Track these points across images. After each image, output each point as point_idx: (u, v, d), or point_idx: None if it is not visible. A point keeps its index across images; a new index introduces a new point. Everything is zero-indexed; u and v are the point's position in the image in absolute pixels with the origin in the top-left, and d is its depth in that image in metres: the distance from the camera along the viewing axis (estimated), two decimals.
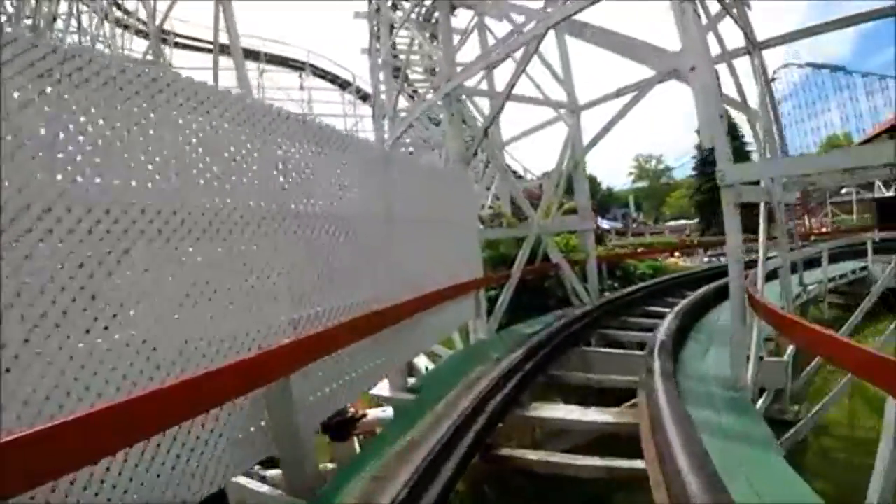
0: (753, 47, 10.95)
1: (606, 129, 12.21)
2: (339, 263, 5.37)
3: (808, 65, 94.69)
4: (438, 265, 8.31)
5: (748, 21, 10.63)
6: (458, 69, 12.05)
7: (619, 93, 12.31)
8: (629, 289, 13.66)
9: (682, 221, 69.54)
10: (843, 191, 64.14)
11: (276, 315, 4.42)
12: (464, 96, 12.65)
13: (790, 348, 8.52)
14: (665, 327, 8.41)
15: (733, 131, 54.06)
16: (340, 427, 7.14)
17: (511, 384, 6.10)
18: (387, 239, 6.67)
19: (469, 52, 24.30)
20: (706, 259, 25.52)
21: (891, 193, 54.89)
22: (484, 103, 16.09)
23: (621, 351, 8.98)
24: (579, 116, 13.46)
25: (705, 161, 52.13)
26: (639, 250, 23.16)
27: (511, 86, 10.78)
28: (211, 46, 14.28)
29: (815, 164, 7.09)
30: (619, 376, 7.50)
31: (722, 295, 13.17)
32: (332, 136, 5.60)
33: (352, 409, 7.09)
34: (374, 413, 7.24)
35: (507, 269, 11.78)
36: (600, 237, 33.88)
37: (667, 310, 11.56)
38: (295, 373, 4.23)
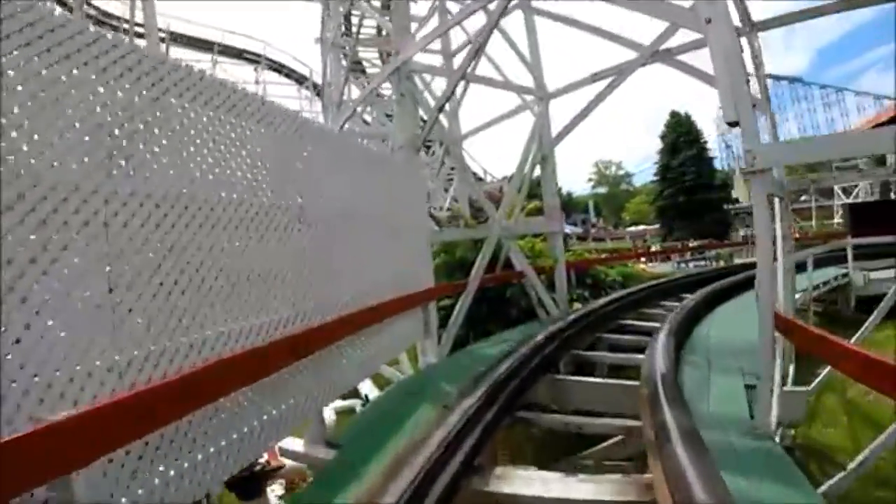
0: (750, 27, 9.53)
1: (581, 117, 10.69)
2: (228, 274, 3.79)
3: (767, 76, 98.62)
4: (377, 274, 6.61)
5: None
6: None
7: (594, 78, 10.82)
8: (603, 300, 12.00)
9: (642, 227, 69.76)
10: (803, 198, 65.52)
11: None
12: (416, 77, 10.91)
13: (822, 375, 7.13)
14: (659, 353, 6.74)
15: (695, 134, 53.86)
16: (248, 483, 5.70)
17: (466, 445, 4.33)
18: (308, 241, 4.94)
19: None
20: (676, 265, 24.26)
21: (865, 199, 56.51)
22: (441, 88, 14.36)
23: (602, 380, 7.26)
24: (548, 104, 11.83)
25: (667, 167, 51.41)
26: (604, 255, 21.69)
27: (471, 59, 9.11)
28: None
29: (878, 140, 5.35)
30: (605, 420, 5.82)
31: (708, 305, 11.84)
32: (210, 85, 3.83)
33: (263, 460, 5.69)
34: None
35: (466, 276, 10.08)
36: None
37: (651, 324, 10.35)
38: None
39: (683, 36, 9.55)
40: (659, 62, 10.02)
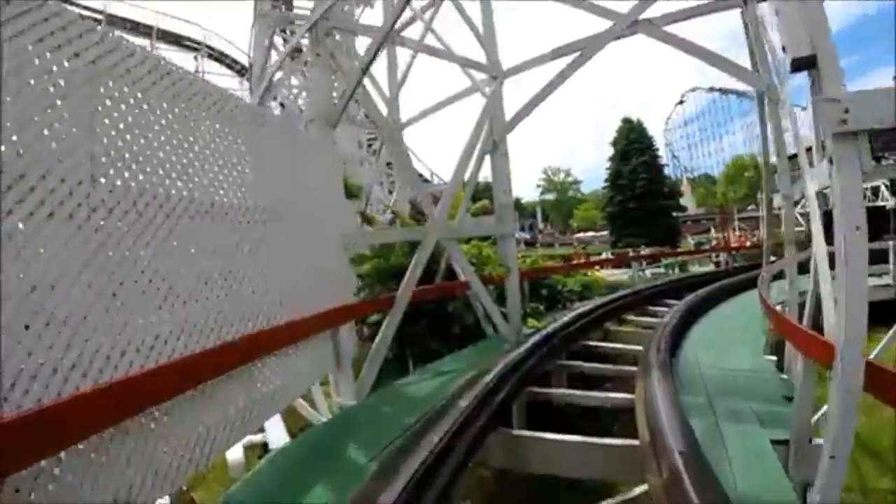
0: None
1: (540, 98, 8.83)
2: None
3: (715, 89, 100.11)
4: (273, 287, 4.59)
5: None
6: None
7: (555, 54, 9.05)
8: (566, 317, 10.00)
9: (591, 233, 69.07)
10: (749, 207, 65.87)
11: None
12: (339, 36, 8.82)
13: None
14: (658, 398, 4.80)
15: (647, 141, 53.00)
16: None
17: None
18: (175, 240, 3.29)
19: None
20: (638, 272, 22.62)
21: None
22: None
23: (574, 438, 5.18)
24: (502, 84, 9.88)
25: (618, 174, 50.37)
26: (561, 263, 19.82)
27: (400, 10, 7.11)
28: None
29: None
30: None
31: (684, 322, 10.01)
32: None
33: None
34: None
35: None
36: None
37: (623, 347, 8.90)
38: None
39: (666, 6, 8.37)
40: (640, 33, 8.32)
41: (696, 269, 23.69)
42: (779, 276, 13.43)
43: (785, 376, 6.76)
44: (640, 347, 7.92)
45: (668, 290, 14.62)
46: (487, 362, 6.47)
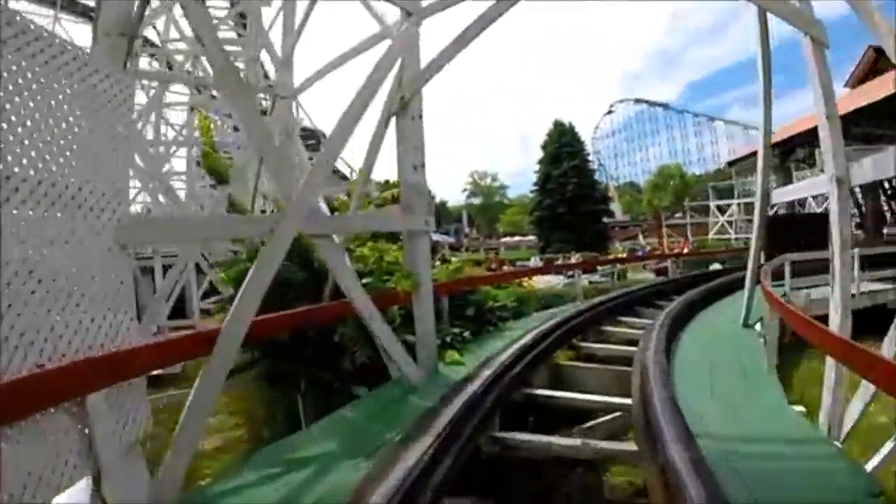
0: None
1: (462, 42, 6.20)
2: None
3: (642, 101, 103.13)
4: None
5: None
6: None
7: None
8: (499, 349, 7.11)
9: (517, 238, 67.64)
10: (677, 214, 65.87)
11: None
12: None
13: None
14: None
15: (578, 146, 51.39)
16: None
17: None
18: None
19: None
20: (566, 281, 20.06)
21: (739, 217, 58.04)
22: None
23: None
24: (418, 26, 7.00)
25: (548, 177, 48.41)
26: (492, 271, 16.88)
27: None
28: None
29: None
30: None
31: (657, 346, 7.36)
32: None
33: None
34: None
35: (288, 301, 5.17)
36: (433, 250, 27.93)
37: (595, 399, 6.23)
38: None
39: None
40: None
41: (638, 277, 21.55)
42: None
43: (839, 444, 4.72)
44: (613, 399, 5.23)
45: (623, 304, 12.05)
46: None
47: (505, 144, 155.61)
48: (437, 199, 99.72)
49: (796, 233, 22.63)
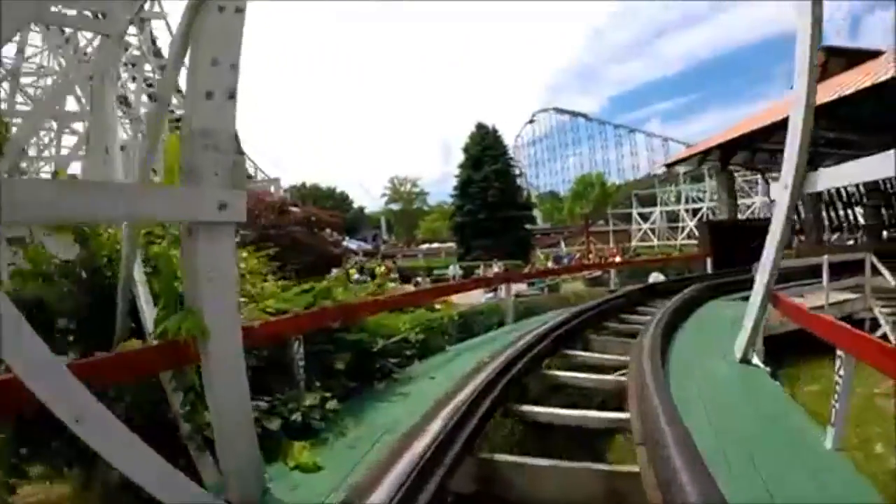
0: None
1: None
2: None
3: (564, 111, 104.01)
4: None
5: None
6: None
7: None
8: (390, 427, 3.73)
9: (437, 245, 66.14)
10: (599, 222, 64.95)
11: None
12: None
13: None
14: None
15: (501, 149, 48.65)
16: None
17: None
18: None
19: None
20: (489, 295, 16.79)
21: (660, 224, 58.29)
22: None
23: None
24: None
25: (469, 181, 45.36)
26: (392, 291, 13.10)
27: None
28: None
29: None
30: None
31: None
32: None
33: None
34: None
35: None
36: (337, 259, 24.22)
37: None
38: None
39: None
40: None
41: (571, 288, 18.58)
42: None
43: None
44: None
45: (569, 332, 8.73)
46: None
47: (427, 151, 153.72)
48: (356, 205, 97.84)
49: (739, 239, 20.55)
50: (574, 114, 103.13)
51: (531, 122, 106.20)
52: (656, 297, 13.33)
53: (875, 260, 14.04)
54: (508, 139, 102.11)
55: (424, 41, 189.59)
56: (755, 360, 7.23)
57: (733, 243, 20.47)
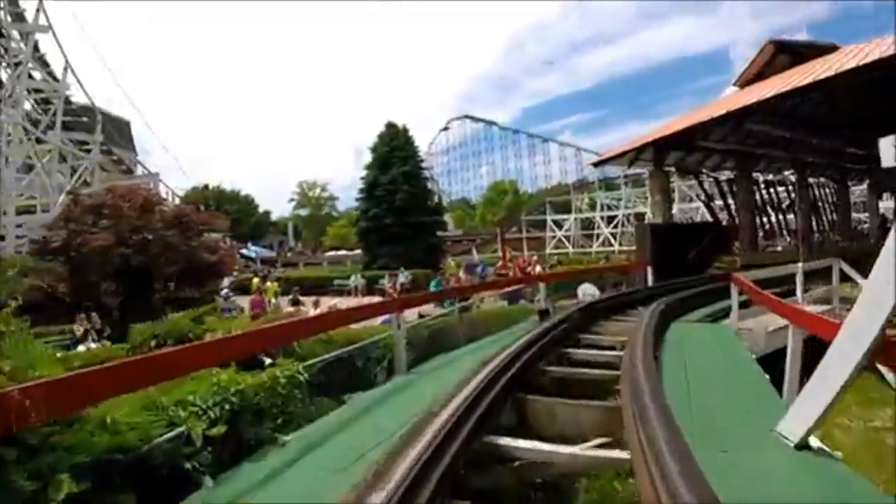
0: None
1: None
2: None
3: (478, 119, 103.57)
4: None
5: None
6: None
7: None
8: None
9: (343, 252, 62.37)
10: (513, 229, 62.94)
11: None
12: None
13: None
14: None
15: (411, 150, 44.69)
16: None
17: None
18: None
19: None
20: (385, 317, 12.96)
21: (575, 231, 57.49)
22: None
23: None
24: None
25: (376, 183, 41.29)
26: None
27: None
28: None
29: None
30: None
31: None
32: None
33: None
34: None
35: None
36: (214, 269, 19.98)
37: None
38: None
39: None
40: None
41: (487, 308, 14.92)
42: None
43: None
44: None
45: (488, 409, 5.02)
46: None
47: (339, 155, 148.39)
48: (261, 209, 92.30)
49: (683, 244, 18.03)
50: (489, 122, 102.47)
51: (446, 129, 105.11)
52: (601, 319, 10.15)
53: (846, 267, 12.55)
54: (422, 146, 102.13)
55: (339, 43, 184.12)
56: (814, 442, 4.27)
57: (676, 249, 17.91)
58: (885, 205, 32.44)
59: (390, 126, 43.47)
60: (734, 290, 9.99)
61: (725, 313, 10.92)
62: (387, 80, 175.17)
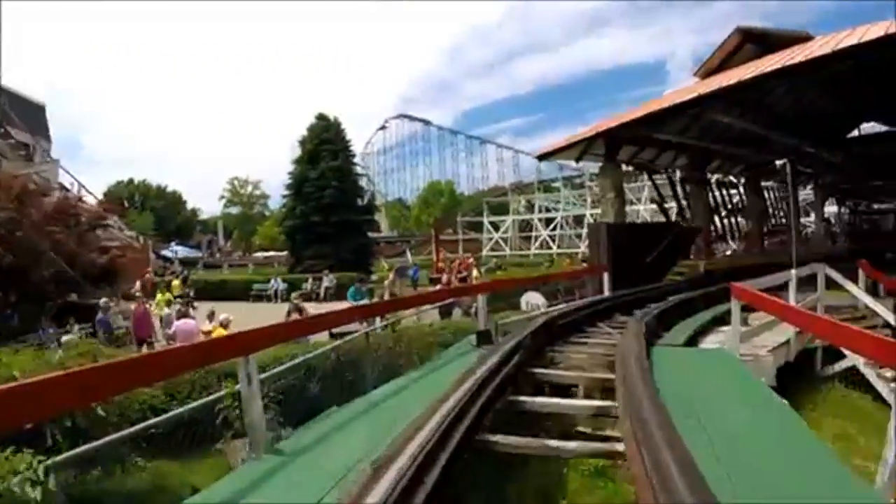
0: None
1: None
2: None
3: (416, 119, 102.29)
4: None
5: None
6: None
7: None
8: None
9: (272, 253, 58.82)
10: (448, 230, 60.37)
11: None
12: None
13: None
14: None
15: (342, 144, 41.33)
16: None
17: None
18: None
19: None
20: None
21: (512, 234, 55.69)
22: None
23: None
24: None
25: (304, 179, 37.71)
26: None
27: None
28: None
29: None
30: None
31: None
32: None
33: None
34: None
35: None
36: (102, 272, 16.50)
37: None
38: None
39: None
40: None
41: (419, 329, 11.69)
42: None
43: None
44: None
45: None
46: None
47: (276, 154, 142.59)
48: (189, 206, 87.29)
49: (645, 246, 15.71)
50: (427, 122, 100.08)
51: (383, 128, 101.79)
52: (560, 343, 7.61)
53: (835, 274, 11.04)
54: (360, 145, 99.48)
55: (283, 40, 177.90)
56: None
57: (637, 252, 15.54)
58: (830, 209, 31.68)
59: (321, 118, 39.83)
60: (735, 306, 7.50)
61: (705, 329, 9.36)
62: (327, 77, 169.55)
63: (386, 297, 14.12)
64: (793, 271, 10.02)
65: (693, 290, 12.58)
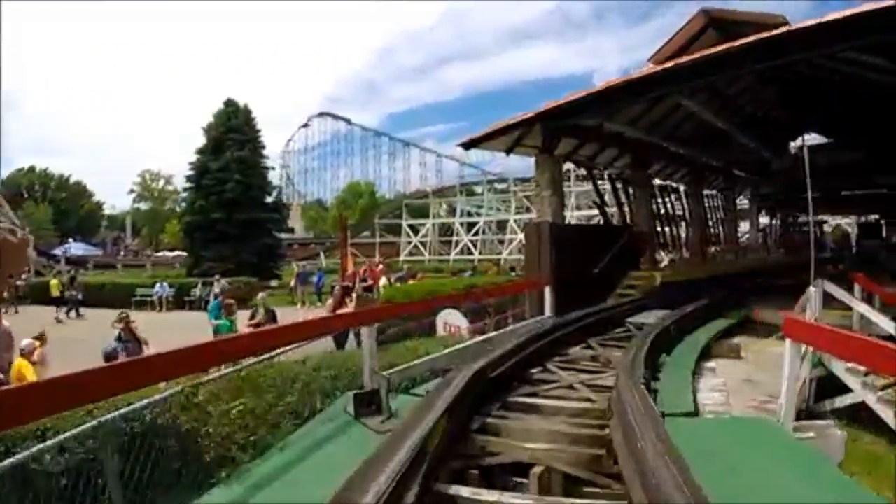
0: None
1: None
2: None
3: (340, 118, 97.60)
4: None
5: None
6: None
7: None
8: None
9: (176, 252, 52.41)
10: (365, 233, 56.81)
11: None
12: None
13: None
14: None
15: (251, 133, 36.86)
16: None
17: None
18: None
19: None
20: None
21: (431, 238, 52.66)
22: None
23: None
24: None
25: (206, 170, 33.21)
26: None
27: None
28: None
29: None
30: None
31: None
32: None
33: None
34: None
35: None
36: None
37: None
38: None
39: None
40: None
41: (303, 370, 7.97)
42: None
43: None
44: None
45: None
46: None
47: (191, 147, 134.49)
48: (94, 199, 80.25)
49: (584, 248, 12.72)
50: (348, 121, 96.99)
51: (306, 126, 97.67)
52: (499, 407, 4.38)
53: (835, 290, 8.81)
54: (281, 144, 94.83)
55: (209, 36, 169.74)
56: None
57: (585, 261, 12.59)
58: (764, 219, 30.39)
59: (229, 104, 35.28)
60: (790, 348, 4.44)
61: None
62: (255, 75, 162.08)
63: (260, 315, 10.34)
64: (811, 289, 7.57)
65: (662, 311, 9.71)
